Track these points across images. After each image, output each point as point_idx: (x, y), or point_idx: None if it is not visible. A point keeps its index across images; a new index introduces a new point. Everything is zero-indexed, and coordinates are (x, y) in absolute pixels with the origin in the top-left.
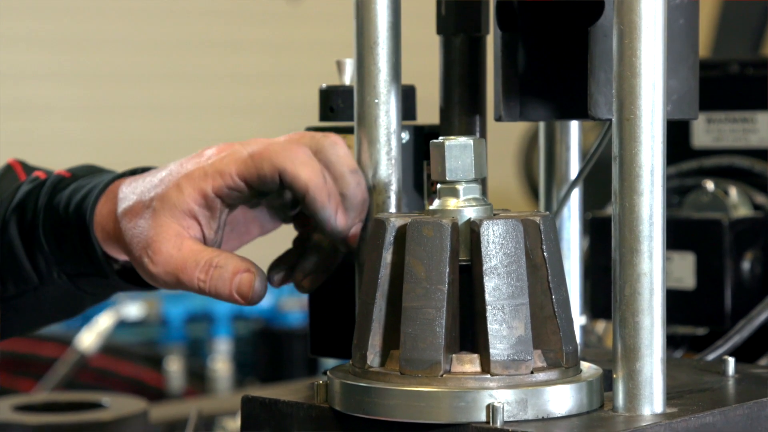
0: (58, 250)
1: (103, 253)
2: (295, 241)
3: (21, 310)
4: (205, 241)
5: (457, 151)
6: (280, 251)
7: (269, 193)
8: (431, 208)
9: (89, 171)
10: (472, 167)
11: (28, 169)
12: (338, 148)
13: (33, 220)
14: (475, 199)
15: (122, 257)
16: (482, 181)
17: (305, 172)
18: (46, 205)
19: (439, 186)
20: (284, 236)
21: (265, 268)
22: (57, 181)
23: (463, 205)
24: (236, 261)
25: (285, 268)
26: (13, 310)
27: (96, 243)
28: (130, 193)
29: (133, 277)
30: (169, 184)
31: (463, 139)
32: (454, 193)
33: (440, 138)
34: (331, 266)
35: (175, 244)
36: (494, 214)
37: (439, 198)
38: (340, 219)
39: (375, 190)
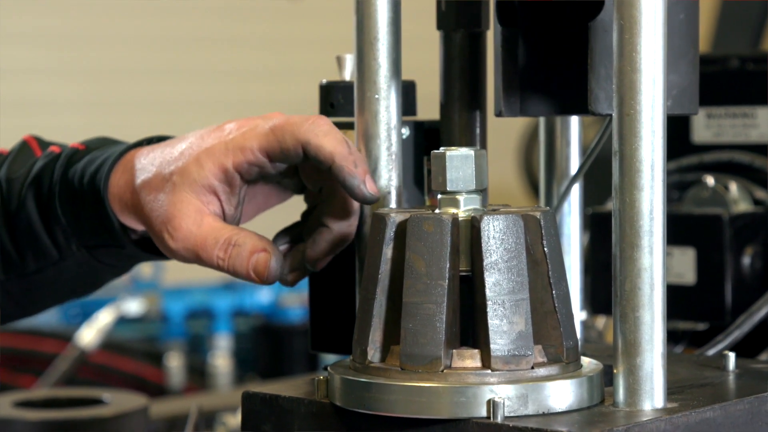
0: (75, 223)
1: (120, 224)
2: (304, 215)
3: (42, 285)
4: (224, 216)
5: (458, 162)
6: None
7: (290, 167)
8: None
9: (104, 143)
10: (473, 178)
11: (43, 144)
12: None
13: (49, 193)
14: (475, 209)
15: (140, 227)
16: (483, 192)
17: (329, 142)
18: (61, 178)
19: (439, 196)
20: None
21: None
22: (71, 153)
23: (463, 216)
24: (254, 240)
25: (288, 240)
26: (35, 286)
27: (112, 214)
28: (148, 164)
29: (150, 247)
30: (189, 158)
31: (464, 150)
32: (455, 204)
33: (441, 148)
34: (338, 247)
35: (196, 220)
36: (494, 210)
37: (440, 209)
38: (369, 185)
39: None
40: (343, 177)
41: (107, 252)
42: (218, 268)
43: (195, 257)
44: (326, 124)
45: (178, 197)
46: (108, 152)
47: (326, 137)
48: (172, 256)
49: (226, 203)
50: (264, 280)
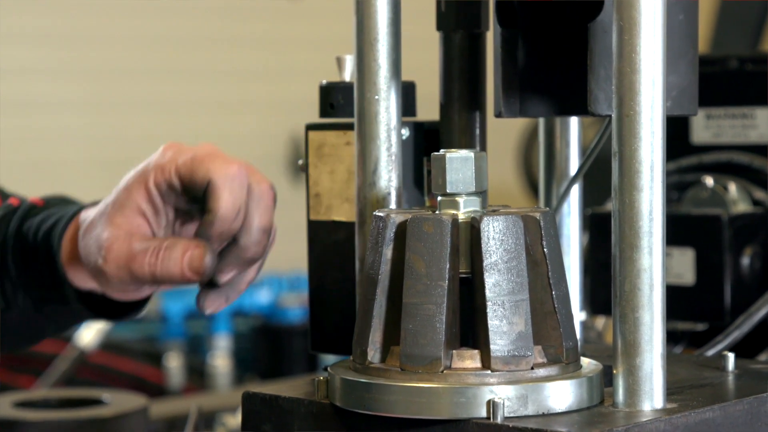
0: (24, 275)
1: (68, 282)
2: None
3: None
4: (154, 237)
5: (457, 164)
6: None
7: (197, 200)
8: None
9: (62, 201)
10: (473, 180)
11: (4, 195)
12: (266, 200)
13: (2, 245)
14: (475, 212)
15: (86, 284)
16: (483, 194)
17: (226, 197)
18: (16, 231)
19: (439, 198)
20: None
21: None
22: (29, 208)
23: (463, 218)
24: (184, 240)
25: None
26: None
27: (62, 269)
28: (90, 214)
29: (96, 306)
30: (120, 190)
31: (464, 152)
32: (455, 206)
33: (441, 150)
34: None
35: (126, 240)
36: (494, 210)
37: (440, 211)
38: (206, 263)
39: (375, 187)
40: (208, 233)
41: (53, 308)
42: (152, 276)
43: (128, 273)
44: (240, 178)
45: (111, 225)
46: (64, 210)
47: (229, 191)
48: (107, 285)
49: (155, 224)
50: (200, 274)
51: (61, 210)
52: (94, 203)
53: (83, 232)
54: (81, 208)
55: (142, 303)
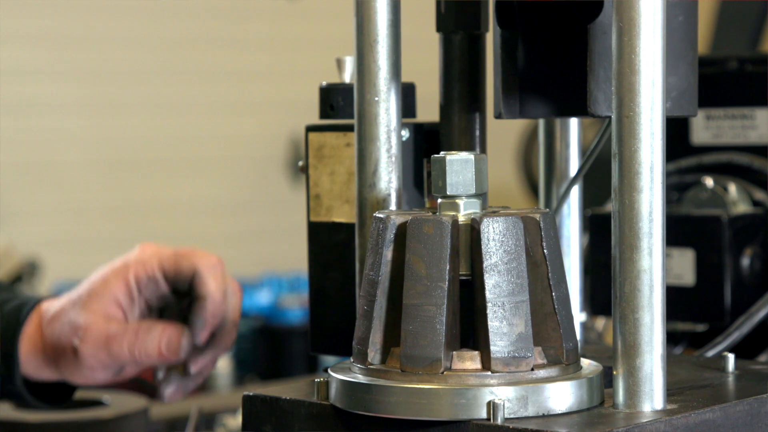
0: None
1: (22, 375)
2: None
3: None
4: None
5: (458, 166)
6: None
7: (180, 292)
8: None
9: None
10: (473, 182)
11: None
12: (238, 296)
13: None
14: (475, 213)
15: (42, 375)
16: (483, 197)
17: (213, 282)
18: None
19: (439, 200)
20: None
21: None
22: None
23: (463, 220)
24: (162, 323)
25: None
26: None
27: (17, 361)
28: (55, 305)
29: (49, 397)
30: (96, 282)
31: (464, 154)
32: (455, 208)
33: (441, 153)
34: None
35: (104, 323)
36: (494, 212)
37: (440, 212)
38: (200, 338)
39: (375, 188)
40: (203, 317)
41: (4, 399)
42: (130, 355)
43: (105, 352)
44: (221, 267)
45: (87, 311)
46: (19, 301)
47: (214, 278)
48: (77, 366)
49: (129, 315)
50: (177, 354)
51: (13, 300)
52: (52, 297)
53: (48, 321)
54: (38, 300)
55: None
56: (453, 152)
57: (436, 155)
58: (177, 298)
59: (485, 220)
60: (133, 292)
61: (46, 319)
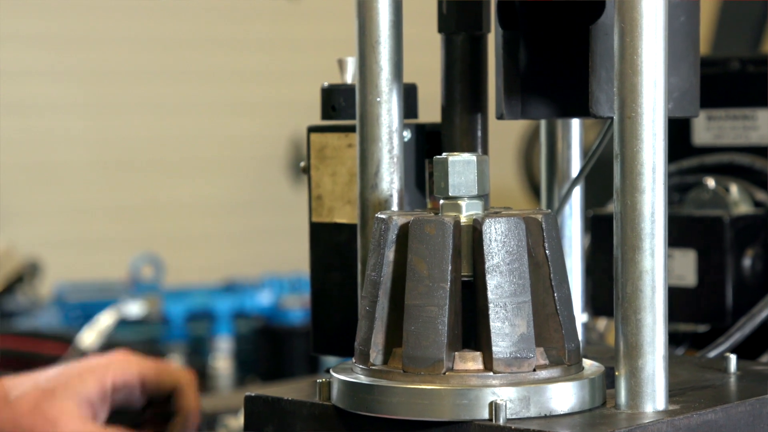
0: None
1: None
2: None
3: None
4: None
5: (460, 167)
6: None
7: (152, 402)
8: None
9: None
10: (475, 183)
11: None
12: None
13: None
14: (477, 214)
15: None
16: (485, 198)
17: (193, 397)
18: None
19: (441, 202)
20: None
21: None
22: None
23: (465, 221)
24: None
25: None
26: None
27: None
28: (21, 384)
29: None
30: (71, 375)
31: (466, 155)
32: (457, 209)
33: (443, 154)
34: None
35: (80, 422)
36: (496, 212)
37: (442, 213)
38: None
39: (377, 189)
40: (188, 426)
41: None
42: None
43: None
44: (195, 386)
45: (61, 406)
46: None
47: (194, 394)
48: None
49: (99, 416)
50: None
51: None
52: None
53: (18, 399)
54: None
55: None
56: (455, 153)
57: (438, 156)
58: (141, 408)
59: (487, 220)
60: (107, 394)
61: (14, 395)
